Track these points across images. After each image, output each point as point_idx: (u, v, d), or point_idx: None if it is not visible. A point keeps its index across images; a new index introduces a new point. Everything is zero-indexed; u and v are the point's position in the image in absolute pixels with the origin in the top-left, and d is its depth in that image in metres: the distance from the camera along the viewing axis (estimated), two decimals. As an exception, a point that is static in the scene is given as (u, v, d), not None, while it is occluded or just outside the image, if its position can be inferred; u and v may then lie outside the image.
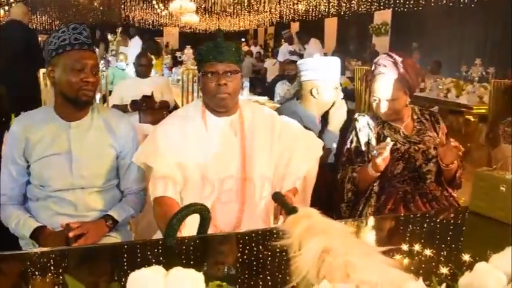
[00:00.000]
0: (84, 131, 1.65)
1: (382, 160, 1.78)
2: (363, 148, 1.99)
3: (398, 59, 1.93)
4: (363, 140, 2.00)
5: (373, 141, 1.98)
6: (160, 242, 1.23)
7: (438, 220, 1.50)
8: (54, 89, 1.66)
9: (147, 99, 3.96)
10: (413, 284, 0.59)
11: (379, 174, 1.87)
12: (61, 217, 1.60)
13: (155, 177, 1.58)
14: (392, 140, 1.93)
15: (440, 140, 1.94)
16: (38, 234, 1.56)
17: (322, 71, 2.32)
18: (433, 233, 1.37)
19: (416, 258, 1.13)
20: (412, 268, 1.06)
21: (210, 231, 1.34)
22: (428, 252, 1.15)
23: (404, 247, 1.17)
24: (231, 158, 1.66)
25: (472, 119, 5.09)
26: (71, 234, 1.50)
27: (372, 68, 2.01)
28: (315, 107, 2.35)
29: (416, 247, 1.17)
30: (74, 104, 1.62)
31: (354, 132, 2.03)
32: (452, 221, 1.51)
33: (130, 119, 2.02)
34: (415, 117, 2.03)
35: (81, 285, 0.50)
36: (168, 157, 1.60)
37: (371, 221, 1.49)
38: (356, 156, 2.00)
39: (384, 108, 1.93)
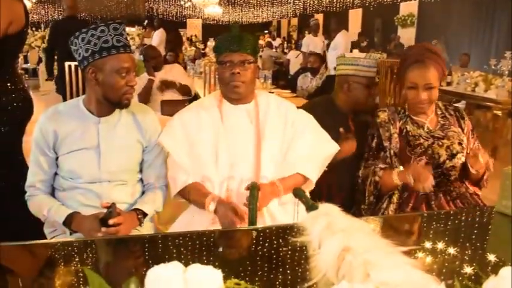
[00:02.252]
0: (112, 127, 1.67)
1: (413, 182, 1.76)
2: (385, 144, 1.95)
3: (435, 50, 1.94)
4: (385, 135, 1.96)
5: (395, 137, 1.94)
6: (183, 235, 1.24)
7: (463, 219, 1.46)
8: (88, 88, 1.66)
9: (167, 82, 3.98)
10: (435, 287, 0.57)
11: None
12: (86, 208, 1.63)
13: (174, 167, 1.72)
14: (414, 135, 1.90)
15: (473, 150, 1.89)
16: (71, 220, 1.58)
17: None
18: (457, 232, 1.34)
19: (439, 258, 1.11)
20: (435, 268, 1.04)
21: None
22: (452, 251, 1.12)
23: (427, 246, 1.15)
24: (246, 144, 1.73)
25: (501, 114, 4.96)
26: (111, 222, 1.51)
27: (405, 57, 1.96)
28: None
29: (440, 246, 1.15)
30: (116, 106, 1.65)
31: (375, 128, 1.99)
32: (477, 221, 1.47)
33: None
34: (439, 112, 1.99)
35: (99, 277, 0.50)
36: (184, 143, 1.72)
37: (392, 219, 1.47)
38: (378, 152, 1.97)
39: (423, 96, 1.86)
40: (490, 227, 1.43)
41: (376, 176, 1.91)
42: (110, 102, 1.63)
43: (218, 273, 0.56)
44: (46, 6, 16.56)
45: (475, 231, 1.34)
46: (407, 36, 11.34)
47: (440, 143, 1.90)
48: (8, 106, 2.18)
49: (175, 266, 0.54)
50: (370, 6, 12.96)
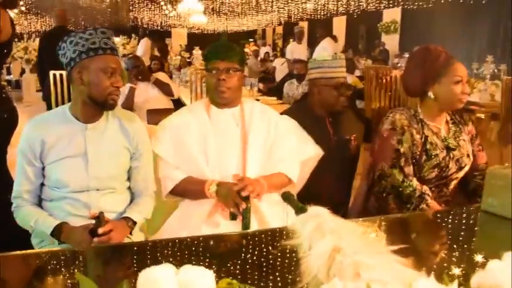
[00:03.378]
0: (99, 133, 1.67)
1: None
2: (414, 150, 1.86)
3: None
4: (411, 140, 1.85)
5: (420, 143, 1.86)
6: (173, 242, 1.23)
7: (450, 219, 1.48)
8: (74, 91, 1.66)
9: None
10: (424, 281, 0.57)
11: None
12: (75, 218, 1.62)
13: (165, 167, 1.81)
14: (431, 143, 1.86)
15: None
16: (60, 231, 1.56)
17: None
18: (444, 231, 1.36)
19: (427, 257, 1.12)
20: (424, 267, 1.05)
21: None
22: (439, 250, 1.14)
23: (416, 246, 1.16)
24: (232, 145, 1.83)
25: (484, 117, 5.04)
26: (100, 231, 1.50)
27: (436, 56, 1.87)
28: None
29: (428, 246, 1.16)
30: (101, 107, 1.64)
31: (398, 132, 1.86)
32: (464, 220, 1.49)
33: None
34: (448, 118, 1.95)
35: (92, 283, 0.49)
36: (174, 146, 1.81)
37: (381, 220, 1.48)
38: (406, 162, 1.85)
39: (467, 88, 1.83)
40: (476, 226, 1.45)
41: (425, 205, 1.79)
42: (95, 103, 1.62)
43: (210, 274, 0.56)
44: (29, 17, 16.41)
45: (462, 231, 1.35)
46: (390, 42, 11.49)
47: (452, 155, 1.87)
48: None
49: (166, 267, 0.54)
50: (353, 13, 13.11)
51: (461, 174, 1.89)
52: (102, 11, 16.86)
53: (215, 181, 1.73)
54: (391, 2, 11.50)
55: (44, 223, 1.59)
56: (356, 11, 12.96)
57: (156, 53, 6.97)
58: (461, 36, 9.34)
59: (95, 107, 1.64)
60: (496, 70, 5.38)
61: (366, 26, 13.11)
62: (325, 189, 2.08)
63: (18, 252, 1.20)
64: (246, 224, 1.62)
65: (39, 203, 1.70)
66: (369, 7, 12.32)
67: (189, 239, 1.23)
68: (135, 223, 1.67)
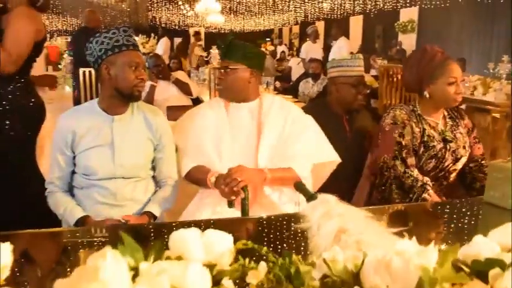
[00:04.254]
0: (125, 125, 1.80)
1: None
2: (414, 142, 1.95)
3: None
4: (411, 134, 1.96)
5: (419, 136, 1.95)
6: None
7: (453, 210, 1.55)
8: (102, 86, 1.81)
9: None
10: (404, 242, 0.64)
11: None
12: (102, 206, 1.75)
13: (181, 156, 1.92)
14: (429, 135, 1.95)
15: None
16: (83, 224, 1.69)
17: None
18: (448, 222, 1.43)
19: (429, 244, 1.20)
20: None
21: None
22: (441, 239, 1.21)
23: (418, 234, 1.23)
24: (247, 137, 1.91)
25: (499, 117, 5.04)
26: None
27: (432, 55, 1.97)
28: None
29: (431, 235, 1.24)
30: (127, 98, 1.77)
31: (399, 126, 1.96)
32: (467, 211, 1.56)
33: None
34: (445, 113, 2.04)
35: (136, 244, 0.59)
36: (192, 137, 1.92)
37: (386, 209, 1.56)
38: (407, 154, 1.95)
39: (462, 89, 1.92)
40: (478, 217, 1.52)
41: (427, 195, 1.87)
42: (122, 95, 1.75)
43: (229, 237, 0.66)
44: (50, 17, 16.78)
45: (465, 222, 1.43)
46: (407, 42, 11.45)
47: (449, 147, 1.95)
48: (26, 109, 2.32)
49: (193, 230, 0.64)
50: (370, 13, 13.10)
51: (459, 165, 1.97)
52: (121, 11, 17.13)
53: (216, 172, 1.80)
54: (408, 1, 11.47)
55: (70, 213, 1.72)
56: (373, 10, 12.93)
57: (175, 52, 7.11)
58: (478, 36, 9.28)
59: (121, 99, 1.77)
60: (512, 70, 5.36)
61: (383, 26, 13.08)
62: (338, 185, 2.16)
63: (51, 229, 1.32)
64: (244, 212, 1.69)
65: (71, 190, 1.84)
66: (386, 6, 12.30)
67: (211, 220, 1.34)
68: (156, 217, 1.78)
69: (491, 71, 5.81)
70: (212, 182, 1.79)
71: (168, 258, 0.60)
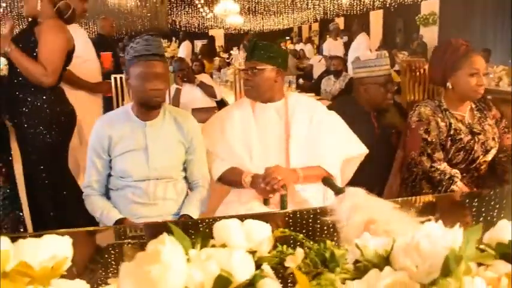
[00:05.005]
0: (157, 129, 1.87)
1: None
2: (441, 137, 1.98)
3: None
4: (437, 129, 1.98)
5: (445, 130, 1.98)
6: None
7: (482, 200, 1.57)
8: (130, 94, 1.88)
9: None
10: (430, 224, 0.68)
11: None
12: (136, 205, 1.83)
13: (213, 160, 1.98)
14: (456, 129, 1.97)
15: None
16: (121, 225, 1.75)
17: None
18: (476, 212, 1.45)
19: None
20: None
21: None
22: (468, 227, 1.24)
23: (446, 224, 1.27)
24: (276, 137, 1.95)
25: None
26: None
27: (456, 47, 2.01)
28: None
29: (458, 223, 1.27)
30: (146, 107, 1.83)
31: (424, 123, 1.99)
32: (496, 202, 1.58)
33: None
34: (473, 105, 2.05)
35: (184, 234, 0.65)
36: (221, 139, 1.97)
37: (413, 200, 1.59)
38: (434, 149, 1.98)
39: (484, 80, 1.93)
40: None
41: (455, 186, 1.91)
42: (141, 105, 1.82)
43: (267, 226, 0.72)
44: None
45: (494, 212, 1.45)
46: (429, 35, 11.31)
47: (477, 139, 1.97)
48: (60, 116, 2.44)
49: (235, 220, 0.71)
50: (390, 7, 12.98)
51: (489, 157, 1.98)
52: (141, 16, 17.40)
53: (250, 173, 1.87)
54: (429, -7, 11.32)
55: (107, 215, 1.80)
56: (393, 4, 12.81)
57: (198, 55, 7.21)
58: (500, 29, 9.11)
59: (144, 107, 1.83)
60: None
61: (404, 19, 12.94)
62: (367, 181, 2.19)
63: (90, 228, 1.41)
64: (284, 208, 1.77)
65: (107, 192, 1.92)
66: (406, 0, 12.18)
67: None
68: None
69: (516, 62, 5.73)
70: (247, 182, 1.85)
71: (213, 246, 0.66)
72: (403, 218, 1.15)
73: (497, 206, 1.53)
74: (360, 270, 0.69)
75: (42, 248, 0.68)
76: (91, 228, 1.47)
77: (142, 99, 1.80)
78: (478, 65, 1.93)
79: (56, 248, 0.70)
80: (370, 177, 2.20)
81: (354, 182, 2.07)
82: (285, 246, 0.71)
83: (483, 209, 1.48)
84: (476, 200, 1.58)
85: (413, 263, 0.61)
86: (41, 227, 2.41)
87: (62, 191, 2.50)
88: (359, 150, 2.03)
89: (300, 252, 0.67)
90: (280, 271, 0.72)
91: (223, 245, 0.65)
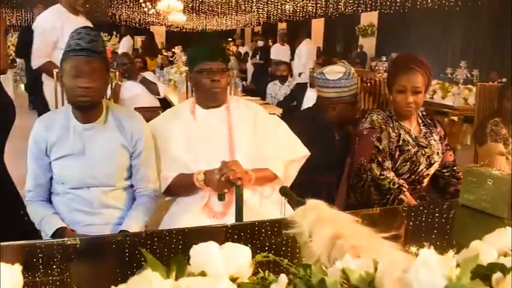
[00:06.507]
0: (97, 133, 1.70)
1: None
2: (391, 146, 2.00)
3: (422, 58, 2.04)
4: (387, 138, 2.00)
5: (395, 140, 2.00)
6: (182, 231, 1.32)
7: (431, 212, 1.62)
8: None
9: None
10: (425, 251, 0.66)
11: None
12: (78, 213, 1.69)
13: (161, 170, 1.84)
14: (404, 140, 2.01)
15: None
16: (61, 235, 1.61)
17: None
18: (426, 224, 1.49)
19: (410, 248, 1.24)
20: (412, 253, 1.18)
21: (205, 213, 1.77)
22: (421, 239, 1.26)
23: (400, 236, 1.28)
24: (220, 145, 1.85)
25: (457, 120, 5.27)
26: None
27: (395, 63, 2.04)
28: None
29: (411, 238, 1.28)
30: (76, 107, 1.67)
31: (376, 130, 2.01)
32: (444, 214, 1.63)
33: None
34: (419, 120, 2.10)
35: (157, 261, 0.58)
36: (165, 152, 1.84)
37: (368, 213, 1.61)
38: (384, 157, 2.00)
39: (411, 99, 1.95)
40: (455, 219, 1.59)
41: (403, 196, 1.93)
42: (72, 104, 1.67)
43: (247, 249, 0.66)
44: (5, 11, 16.08)
45: (442, 223, 1.49)
46: (368, 45, 11.77)
47: (423, 152, 2.01)
48: None
49: (212, 244, 0.64)
50: (332, 16, 13.36)
51: (431, 170, 2.05)
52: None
53: (202, 171, 1.77)
54: (368, 5, 11.79)
55: (46, 223, 1.65)
56: (334, 13, 13.21)
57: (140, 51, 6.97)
58: (436, 42, 9.66)
59: (75, 107, 1.66)
60: (468, 75, 5.63)
61: (344, 29, 13.38)
62: (327, 188, 2.21)
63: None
64: (238, 206, 1.67)
65: (50, 196, 1.75)
66: (347, 10, 12.59)
67: (193, 229, 1.33)
68: None
69: (449, 76, 6.06)
70: (200, 179, 1.75)
71: (190, 274, 0.60)
72: (366, 232, 1.14)
73: (445, 215, 1.58)
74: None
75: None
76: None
77: (69, 98, 1.65)
78: (404, 82, 1.97)
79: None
80: (329, 186, 2.23)
81: (312, 192, 2.08)
82: (267, 272, 0.66)
83: (433, 220, 1.52)
84: (426, 210, 1.62)
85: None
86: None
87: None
88: (302, 152, 2.01)
89: (283, 278, 0.62)
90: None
91: (203, 273, 0.59)
